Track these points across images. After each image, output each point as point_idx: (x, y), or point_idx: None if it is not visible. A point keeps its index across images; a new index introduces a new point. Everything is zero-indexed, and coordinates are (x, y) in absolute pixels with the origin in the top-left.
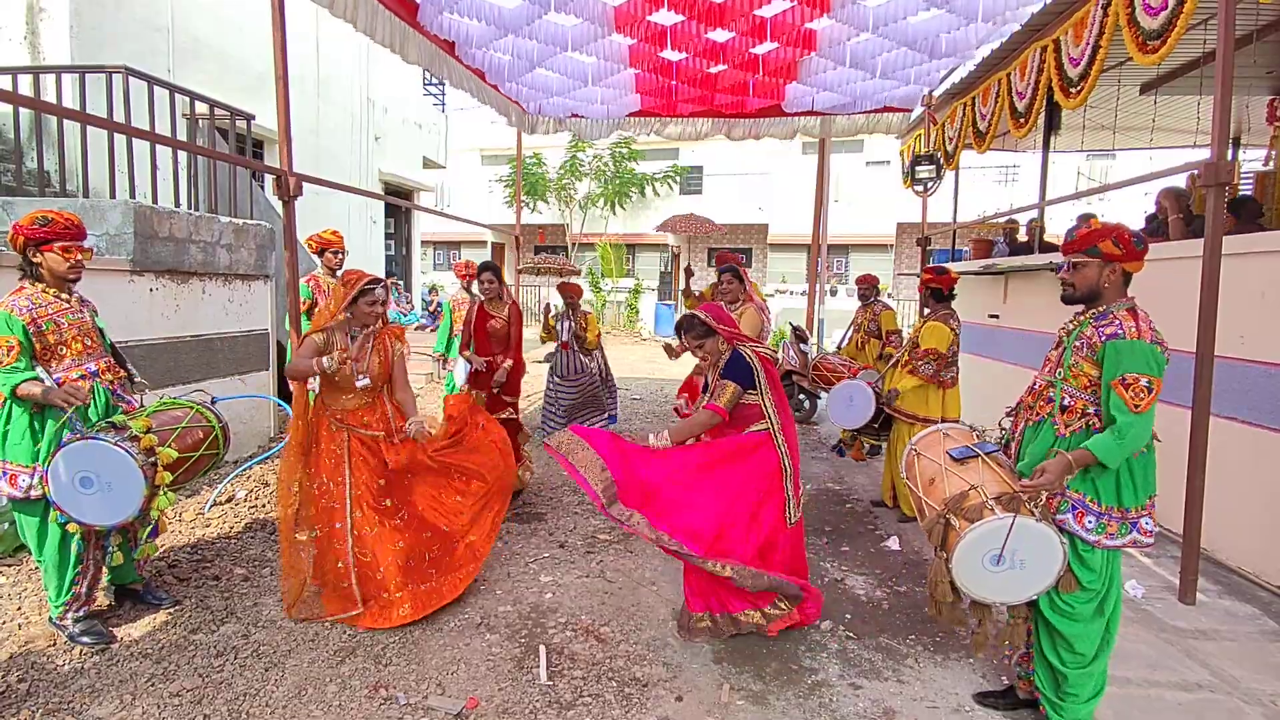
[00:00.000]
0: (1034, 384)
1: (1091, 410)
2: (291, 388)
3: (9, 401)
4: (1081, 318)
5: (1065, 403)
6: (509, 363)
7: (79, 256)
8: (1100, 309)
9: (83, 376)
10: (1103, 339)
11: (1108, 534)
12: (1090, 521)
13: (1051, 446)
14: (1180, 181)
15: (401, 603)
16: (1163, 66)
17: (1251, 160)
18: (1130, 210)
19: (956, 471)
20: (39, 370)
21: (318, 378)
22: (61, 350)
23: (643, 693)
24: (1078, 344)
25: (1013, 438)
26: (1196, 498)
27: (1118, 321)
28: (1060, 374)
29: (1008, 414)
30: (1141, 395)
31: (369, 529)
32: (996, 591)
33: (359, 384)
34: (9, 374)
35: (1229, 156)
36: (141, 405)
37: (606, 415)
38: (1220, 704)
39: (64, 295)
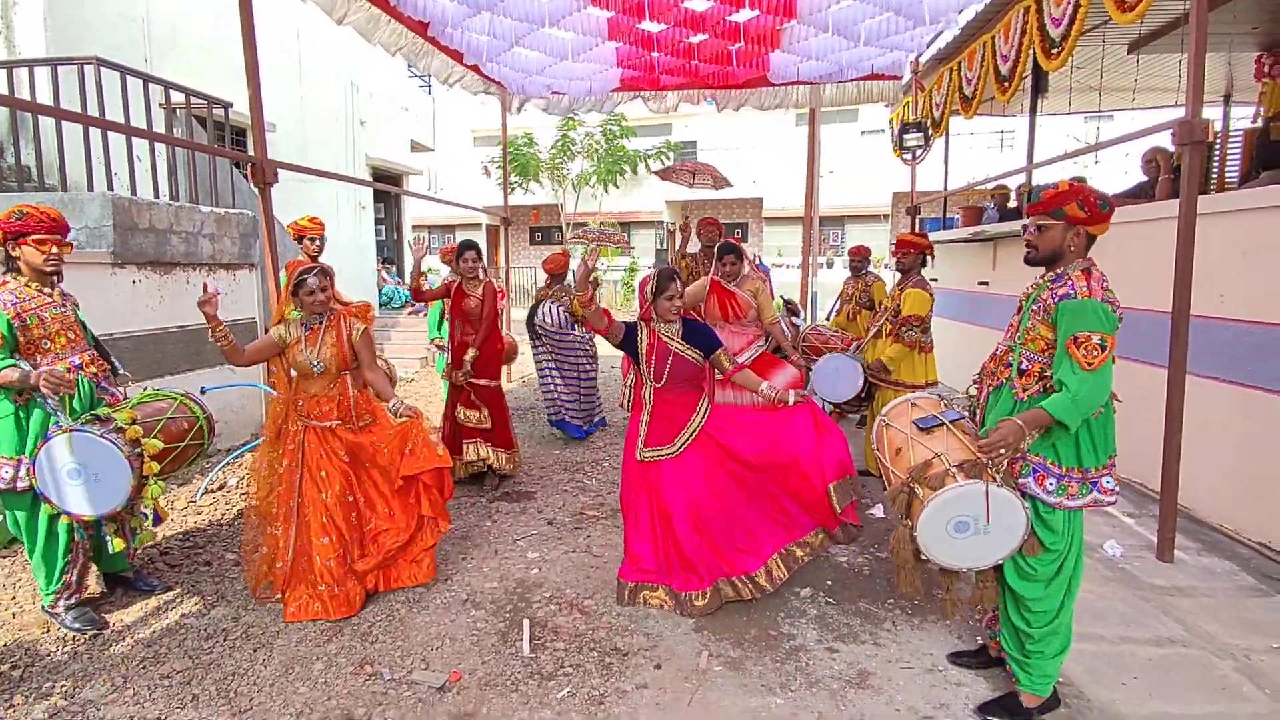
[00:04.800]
0: (996, 349)
1: (1049, 373)
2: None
3: None
4: (1040, 281)
5: (1023, 366)
6: (473, 352)
7: (54, 250)
8: (1058, 271)
9: (68, 370)
10: (1056, 300)
11: (1068, 495)
12: (1051, 484)
13: (1011, 411)
14: (1166, 140)
15: (313, 601)
16: (1148, 25)
17: (1240, 118)
18: (1116, 171)
19: (921, 441)
20: (20, 361)
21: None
22: (46, 344)
23: (622, 662)
24: (1035, 307)
25: (979, 404)
26: (1173, 457)
27: (1070, 282)
28: (1019, 338)
29: (974, 381)
30: (1094, 353)
31: (308, 520)
32: (962, 557)
33: (314, 369)
34: None
35: (1221, 114)
36: (126, 398)
37: (594, 414)
38: (1192, 659)
39: (46, 289)
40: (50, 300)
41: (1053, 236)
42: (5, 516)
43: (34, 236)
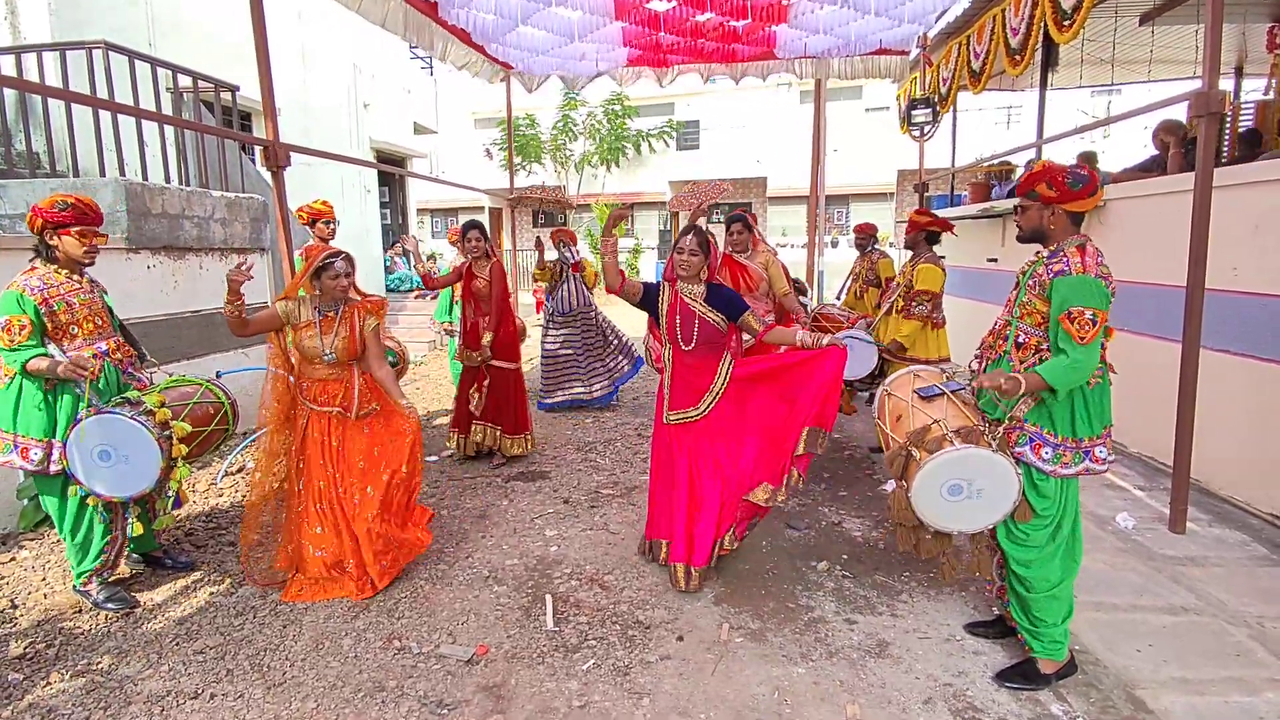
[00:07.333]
0: (995, 324)
1: (1044, 347)
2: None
3: (19, 377)
4: (1036, 257)
5: (1020, 340)
6: (489, 336)
7: (95, 242)
8: (1052, 248)
9: (94, 355)
10: (1051, 275)
11: (1063, 464)
12: (1047, 453)
13: None
14: (1180, 113)
15: (307, 585)
16: None
17: (1252, 90)
18: (1132, 144)
19: (922, 408)
20: (50, 347)
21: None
22: (73, 330)
23: (645, 634)
24: (1030, 283)
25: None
26: (1186, 430)
27: (1065, 258)
28: (1016, 313)
29: (975, 356)
30: (1086, 328)
31: (303, 509)
32: (955, 520)
33: (325, 358)
34: (19, 351)
35: (1233, 86)
36: (152, 383)
37: (626, 359)
38: (1204, 626)
39: (75, 276)
40: (79, 286)
41: (1031, 216)
42: (33, 501)
43: (77, 228)
